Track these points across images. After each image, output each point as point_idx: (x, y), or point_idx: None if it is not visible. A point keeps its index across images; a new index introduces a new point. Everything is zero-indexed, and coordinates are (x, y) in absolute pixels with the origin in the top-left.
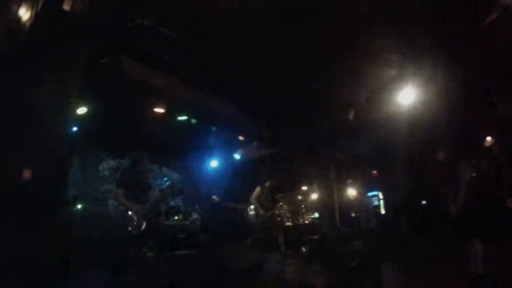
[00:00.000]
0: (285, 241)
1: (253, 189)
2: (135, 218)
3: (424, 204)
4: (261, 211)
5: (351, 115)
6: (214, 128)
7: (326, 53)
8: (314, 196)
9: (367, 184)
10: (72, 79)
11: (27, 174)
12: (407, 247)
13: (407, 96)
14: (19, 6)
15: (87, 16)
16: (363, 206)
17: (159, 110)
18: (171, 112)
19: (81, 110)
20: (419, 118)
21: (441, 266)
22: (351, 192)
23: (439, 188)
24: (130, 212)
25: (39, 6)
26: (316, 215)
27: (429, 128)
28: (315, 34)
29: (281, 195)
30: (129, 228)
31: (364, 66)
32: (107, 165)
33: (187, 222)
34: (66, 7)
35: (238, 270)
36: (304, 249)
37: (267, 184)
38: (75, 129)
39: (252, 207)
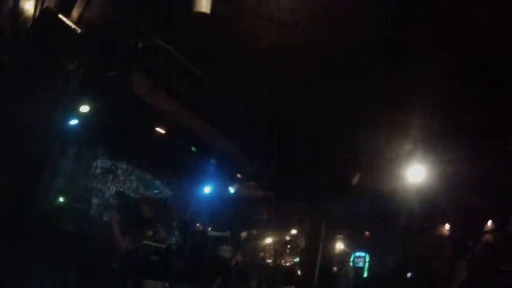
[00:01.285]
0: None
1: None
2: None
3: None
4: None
5: (355, 179)
6: (213, 160)
7: (345, 114)
8: (301, 241)
9: (357, 244)
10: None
11: None
12: None
13: (417, 173)
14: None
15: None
16: (345, 270)
17: (161, 130)
18: (172, 135)
19: (84, 108)
20: (423, 196)
21: None
22: (339, 247)
23: (427, 265)
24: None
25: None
26: (298, 259)
27: (431, 208)
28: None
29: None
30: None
31: (382, 134)
32: (101, 164)
33: (163, 245)
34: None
35: None
36: None
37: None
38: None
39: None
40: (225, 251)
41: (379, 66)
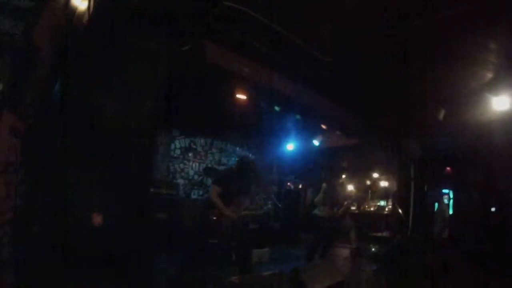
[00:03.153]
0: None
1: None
2: (223, 221)
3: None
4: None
5: (441, 115)
6: (297, 116)
7: (424, 48)
8: (383, 183)
9: (441, 182)
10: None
11: None
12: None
13: (502, 102)
14: None
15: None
16: (440, 213)
17: (241, 96)
18: (254, 98)
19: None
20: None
21: None
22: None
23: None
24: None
25: None
26: (382, 203)
27: None
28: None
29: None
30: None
31: (461, 66)
32: (179, 144)
33: (261, 212)
34: None
35: None
36: (373, 249)
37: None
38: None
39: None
40: (322, 210)
41: None
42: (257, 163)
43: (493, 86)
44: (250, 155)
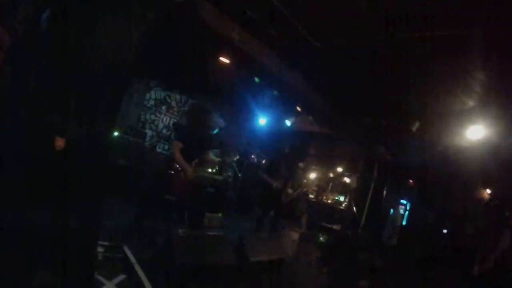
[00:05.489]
0: (307, 222)
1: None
2: (181, 175)
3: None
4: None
5: (415, 127)
6: (274, 92)
7: (413, 62)
8: (345, 179)
9: (401, 191)
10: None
11: None
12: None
13: (477, 131)
14: None
15: None
16: (392, 219)
17: (224, 59)
18: (237, 65)
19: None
20: (479, 157)
21: None
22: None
23: (465, 225)
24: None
25: None
26: (341, 198)
27: (484, 171)
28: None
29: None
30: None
31: (444, 87)
32: (154, 95)
33: (220, 177)
34: None
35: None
36: (321, 238)
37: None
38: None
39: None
40: (277, 185)
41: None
42: (216, 119)
43: (471, 113)
44: (221, 121)
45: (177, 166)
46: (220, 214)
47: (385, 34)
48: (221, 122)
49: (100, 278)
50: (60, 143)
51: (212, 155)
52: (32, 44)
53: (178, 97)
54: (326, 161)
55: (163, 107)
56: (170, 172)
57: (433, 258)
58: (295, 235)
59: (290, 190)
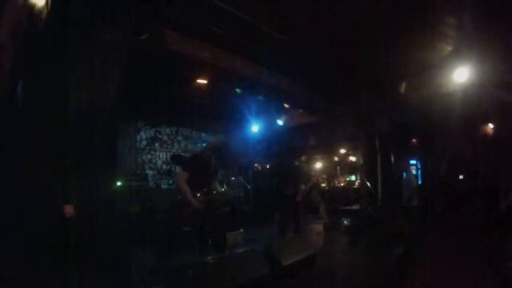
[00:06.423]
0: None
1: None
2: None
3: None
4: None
5: (402, 88)
6: (259, 97)
7: (380, 21)
8: (351, 158)
9: (408, 153)
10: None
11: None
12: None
13: (462, 74)
14: None
15: None
16: (407, 182)
17: (202, 80)
18: (215, 83)
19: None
20: (471, 97)
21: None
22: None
23: (478, 166)
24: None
25: None
26: (352, 178)
27: (480, 108)
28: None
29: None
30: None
31: (420, 40)
32: (144, 135)
33: (231, 195)
34: None
35: None
36: (345, 222)
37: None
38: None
39: None
40: (287, 189)
41: None
42: (224, 146)
43: (452, 59)
44: (218, 139)
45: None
46: (242, 230)
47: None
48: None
49: None
50: (69, 209)
51: (218, 185)
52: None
53: (167, 130)
54: (327, 147)
55: (156, 144)
56: (181, 204)
57: (454, 207)
58: (319, 227)
59: (302, 186)
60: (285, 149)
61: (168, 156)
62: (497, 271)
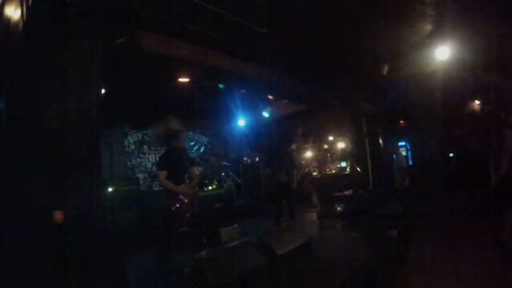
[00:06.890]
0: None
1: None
2: (183, 199)
3: (451, 157)
4: None
5: (385, 70)
6: (242, 91)
7: (358, 3)
8: (340, 145)
9: (396, 135)
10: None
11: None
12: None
13: (443, 52)
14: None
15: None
16: (397, 164)
17: (183, 79)
18: (197, 80)
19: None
20: (454, 74)
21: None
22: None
23: (467, 143)
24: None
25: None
26: (343, 163)
27: (464, 86)
28: None
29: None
30: (176, 208)
31: (400, 20)
32: (132, 139)
33: (222, 191)
34: None
35: None
36: (338, 208)
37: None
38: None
39: None
40: (281, 177)
41: None
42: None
43: (433, 38)
44: (204, 137)
45: (174, 194)
46: (236, 225)
47: None
48: (203, 139)
49: None
50: (59, 215)
51: (196, 170)
52: None
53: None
54: (315, 136)
55: (145, 147)
56: (172, 204)
57: (447, 184)
58: (313, 216)
59: (295, 172)
60: (274, 140)
61: (157, 157)
62: (496, 243)
